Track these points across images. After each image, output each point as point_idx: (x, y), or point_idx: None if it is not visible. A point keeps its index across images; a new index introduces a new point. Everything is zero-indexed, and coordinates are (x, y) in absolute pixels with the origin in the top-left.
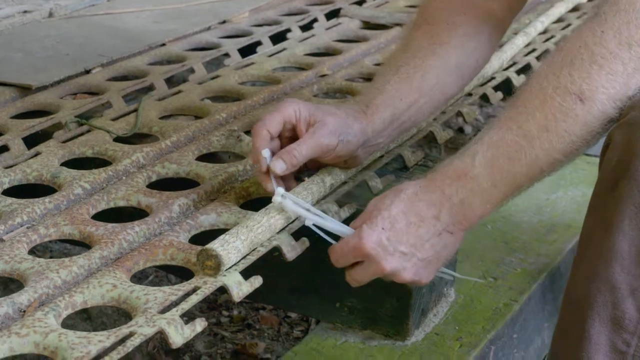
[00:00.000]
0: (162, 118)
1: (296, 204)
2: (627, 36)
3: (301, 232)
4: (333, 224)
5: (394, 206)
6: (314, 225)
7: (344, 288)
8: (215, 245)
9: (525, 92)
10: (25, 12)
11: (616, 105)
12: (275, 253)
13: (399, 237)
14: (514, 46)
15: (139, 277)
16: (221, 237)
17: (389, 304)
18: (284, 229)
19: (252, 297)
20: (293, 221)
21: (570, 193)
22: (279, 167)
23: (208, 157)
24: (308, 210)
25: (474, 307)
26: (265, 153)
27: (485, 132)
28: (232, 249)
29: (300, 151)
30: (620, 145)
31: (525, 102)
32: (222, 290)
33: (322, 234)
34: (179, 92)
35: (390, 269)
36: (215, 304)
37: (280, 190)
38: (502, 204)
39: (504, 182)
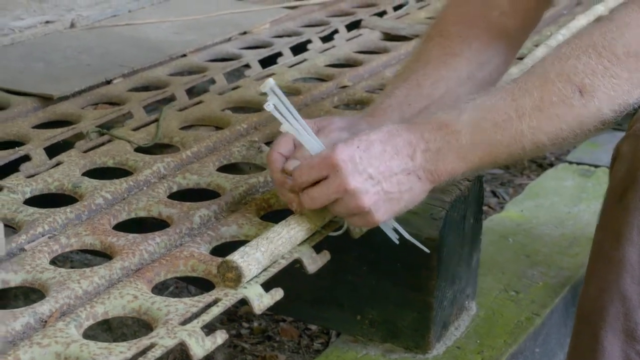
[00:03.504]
0: (182, 128)
1: (284, 111)
2: (635, 49)
3: (323, 244)
4: (310, 138)
5: (373, 133)
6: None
7: (366, 300)
8: (236, 257)
9: (527, 73)
10: (47, 22)
11: (614, 109)
12: (296, 265)
13: (371, 160)
14: (535, 58)
15: (160, 288)
16: (242, 248)
17: (410, 317)
18: (305, 241)
19: (273, 309)
20: (314, 234)
21: (593, 206)
22: (292, 165)
23: (229, 168)
24: (295, 120)
25: (496, 320)
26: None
27: (478, 97)
28: (253, 260)
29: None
30: (627, 157)
31: (525, 80)
32: (243, 302)
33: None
34: (200, 102)
35: (354, 186)
36: (236, 315)
37: (270, 82)
38: (473, 170)
39: (482, 146)
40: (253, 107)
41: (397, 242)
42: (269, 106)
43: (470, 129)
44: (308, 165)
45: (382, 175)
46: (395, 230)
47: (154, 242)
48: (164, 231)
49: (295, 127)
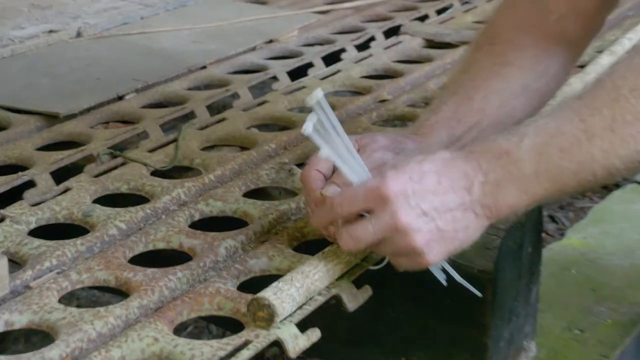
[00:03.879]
0: (204, 149)
1: (327, 130)
2: None
3: (362, 277)
4: (356, 164)
5: (427, 162)
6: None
7: (410, 340)
8: (268, 293)
9: (595, 88)
10: (50, 31)
11: None
12: (332, 301)
13: (425, 194)
14: (598, 66)
15: (177, 329)
16: (274, 284)
17: (462, 359)
18: (344, 275)
19: (305, 351)
20: (354, 267)
21: None
22: (332, 191)
23: (257, 194)
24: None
25: None
26: None
27: (540, 118)
28: (287, 297)
29: None
30: None
31: (593, 97)
32: (274, 344)
33: None
34: (223, 119)
35: (406, 223)
36: (262, 358)
37: (319, 94)
38: (537, 202)
39: (548, 175)
40: (282, 124)
41: (445, 283)
42: (307, 129)
43: (533, 157)
44: (352, 194)
45: (436, 211)
46: (444, 270)
47: (175, 277)
48: (186, 265)
49: (339, 151)
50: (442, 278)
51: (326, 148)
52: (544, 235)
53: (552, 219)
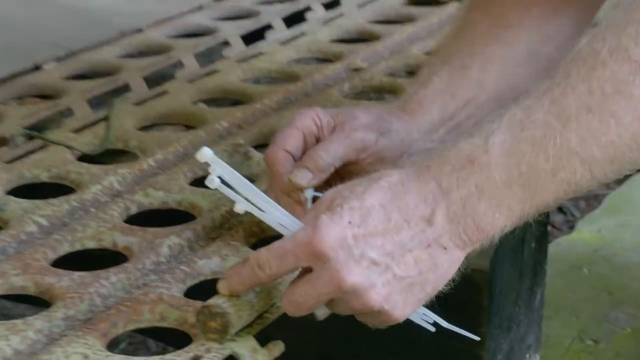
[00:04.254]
0: (141, 129)
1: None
2: None
3: None
4: (279, 214)
5: (369, 195)
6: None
7: (393, 355)
8: (221, 300)
9: (570, 59)
10: None
11: None
12: None
13: (371, 239)
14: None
15: (110, 344)
16: None
17: None
18: None
19: None
20: None
21: None
22: (303, 177)
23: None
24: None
25: None
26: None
27: (508, 109)
28: (244, 304)
29: (327, 149)
30: None
31: (567, 71)
32: None
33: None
34: (164, 93)
35: (352, 283)
36: None
37: (206, 152)
38: (517, 219)
39: (521, 181)
40: (235, 97)
41: (433, 329)
42: (212, 182)
43: (502, 160)
44: (279, 251)
45: (390, 257)
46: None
47: (108, 282)
48: (122, 267)
49: (256, 202)
50: (428, 325)
51: (242, 200)
52: (550, 228)
53: (560, 209)
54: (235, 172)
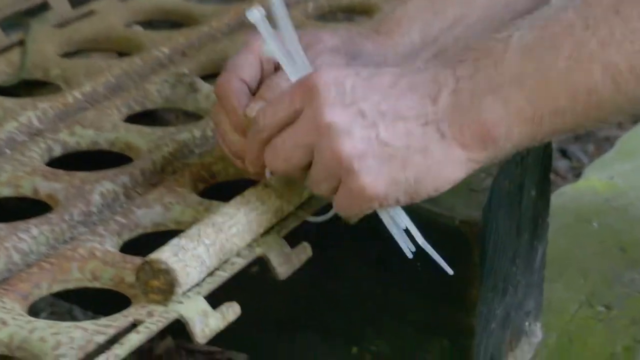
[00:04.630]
0: (65, 56)
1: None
2: None
3: (299, 234)
4: (303, 67)
5: (390, 68)
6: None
7: (366, 323)
8: (166, 254)
9: None
10: None
11: None
12: (253, 269)
13: (369, 92)
14: None
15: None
16: (173, 241)
17: (438, 348)
18: (272, 228)
19: (216, 341)
20: (286, 217)
21: None
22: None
23: (144, 118)
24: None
25: (575, 352)
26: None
27: (540, 11)
28: (192, 259)
29: (288, 77)
30: None
31: None
32: (175, 327)
33: None
34: (91, 13)
35: (331, 121)
36: (150, 355)
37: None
38: (522, 129)
39: (535, 79)
40: (177, 18)
41: (410, 254)
42: (253, 14)
43: (519, 56)
44: (276, 98)
45: (381, 115)
46: (408, 233)
47: (29, 235)
48: (45, 218)
49: (287, 48)
50: (405, 245)
51: (273, 41)
52: (553, 175)
53: (564, 153)
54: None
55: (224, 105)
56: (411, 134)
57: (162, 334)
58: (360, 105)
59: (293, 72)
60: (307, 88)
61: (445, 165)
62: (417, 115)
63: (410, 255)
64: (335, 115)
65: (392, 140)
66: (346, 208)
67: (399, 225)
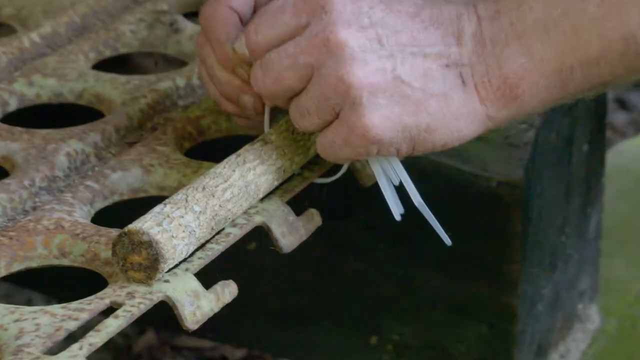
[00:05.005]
0: None
1: None
2: None
3: (303, 200)
4: None
5: None
6: None
7: (387, 309)
8: (148, 224)
9: None
10: None
11: None
12: (250, 245)
13: (390, 18)
14: None
15: None
16: (156, 209)
17: (473, 335)
18: (273, 192)
19: (208, 333)
20: (290, 178)
21: None
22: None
23: (117, 64)
24: None
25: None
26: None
27: None
28: (180, 230)
29: None
30: None
31: None
32: (158, 318)
33: None
34: None
35: (343, 41)
36: (129, 353)
37: None
38: (551, 79)
39: (562, 24)
40: None
41: (399, 216)
42: None
43: None
44: (273, 7)
45: (399, 47)
46: (400, 191)
47: None
48: (1, 184)
49: None
50: (394, 205)
51: None
52: (609, 132)
53: (622, 104)
54: None
55: (210, 38)
56: (430, 75)
57: (142, 327)
58: (378, 30)
59: None
60: (316, 1)
61: (461, 118)
62: (439, 54)
63: (398, 218)
64: (350, 35)
65: (409, 78)
66: (336, 149)
67: (392, 178)
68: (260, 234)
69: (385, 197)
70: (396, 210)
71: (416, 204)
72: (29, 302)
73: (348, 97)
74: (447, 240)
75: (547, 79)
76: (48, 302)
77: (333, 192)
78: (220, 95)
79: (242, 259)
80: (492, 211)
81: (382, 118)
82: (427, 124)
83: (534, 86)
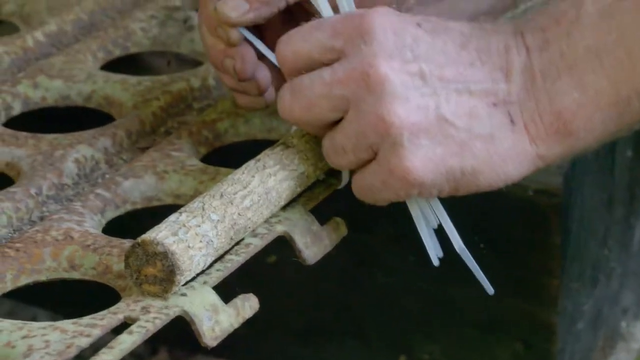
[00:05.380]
0: None
1: None
2: None
3: (330, 205)
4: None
5: (452, 21)
6: None
7: (415, 324)
8: (162, 234)
9: None
10: None
11: None
12: (269, 258)
13: (434, 52)
14: None
15: None
16: (171, 217)
17: (508, 353)
18: (296, 199)
19: (225, 351)
20: (314, 185)
21: None
22: (234, 6)
23: (127, 65)
24: None
25: None
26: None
27: None
28: (197, 240)
29: None
30: None
31: None
32: (171, 336)
33: None
34: None
35: (384, 75)
36: None
37: None
38: (607, 112)
39: (617, 52)
40: None
41: (437, 261)
42: None
43: (596, 20)
44: (313, 23)
45: (444, 85)
46: (440, 233)
47: None
48: (5, 193)
49: None
50: (433, 249)
51: None
52: None
53: None
54: None
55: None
56: (476, 114)
57: (155, 346)
58: (422, 64)
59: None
60: (358, 26)
61: (509, 160)
62: (486, 91)
63: (436, 263)
64: (391, 70)
65: (453, 117)
66: (374, 191)
67: (430, 220)
68: (281, 246)
69: (423, 240)
70: (434, 254)
71: (457, 249)
72: (34, 320)
73: (388, 137)
74: (490, 290)
75: (602, 112)
76: (54, 320)
77: (358, 201)
78: (216, 67)
79: (262, 271)
80: (529, 221)
81: (424, 160)
82: (472, 167)
83: (588, 121)
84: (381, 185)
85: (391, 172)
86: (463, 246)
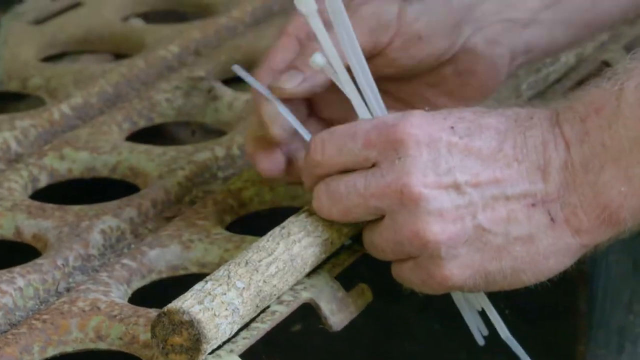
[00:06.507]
0: (46, 60)
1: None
2: None
3: (354, 274)
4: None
5: (488, 114)
6: None
7: None
8: (188, 303)
9: None
10: None
11: None
12: (294, 327)
13: (468, 160)
14: None
15: None
16: (197, 286)
17: None
18: (321, 267)
19: None
20: (338, 251)
21: None
22: (288, 79)
23: (152, 135)
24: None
25: None
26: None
27: None
28: (222, 308)
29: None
30: None
31: None
32: None
33: None
34: (77, 5)
35: (419, 193)
36: None
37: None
38: None
39: None
40: (190, 9)
41: (482, 341)
42: (318, 59)
43: (637, 111)
44: (345, 129)
45: (480, 193)
46: (483, 316)
47: (14, 287)
48: (32, 265)
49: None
50: (477, 331)
51: (345, 79)
52: None
53: None
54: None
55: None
56: (514, 218)
57: None
58: (456, 175)
59: (356, 99)
60: (391, 138)
61: (551, 256)
62: (524, 193)
63: (481, 343)
64: (425, 186)
65: (490, 225)
66: (412, 284)
67: (473, 304)
68: (307, 314)
69: (466, 320)
70: (478, 334)
71: (503, 337)
72: None
73: (425, 250)
74: None
75: (633, 208)
76: None
77: (385, 269)
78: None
79: (288, 339)
80: (556, 288)
81: (462, 267)
82: (512, 268)
83: (637, 211)
84: (420, 283)
85: (430, 276)
86: (509, 335)
